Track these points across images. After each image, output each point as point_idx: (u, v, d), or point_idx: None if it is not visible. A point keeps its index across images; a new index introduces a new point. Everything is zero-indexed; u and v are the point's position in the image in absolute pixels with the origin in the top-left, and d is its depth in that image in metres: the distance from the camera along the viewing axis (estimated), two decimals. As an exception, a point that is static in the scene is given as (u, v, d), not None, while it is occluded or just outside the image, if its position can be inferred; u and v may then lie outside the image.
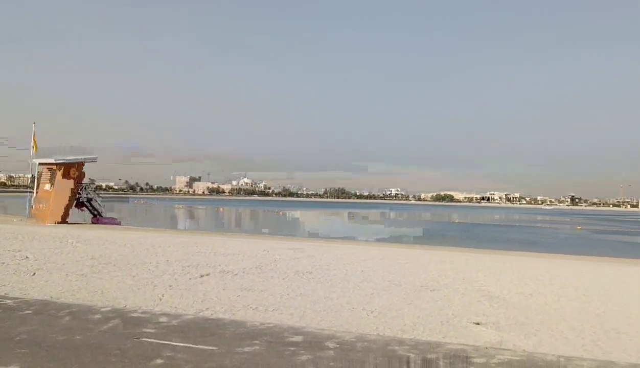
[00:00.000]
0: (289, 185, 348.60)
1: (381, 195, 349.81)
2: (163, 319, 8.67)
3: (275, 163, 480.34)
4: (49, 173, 39.83)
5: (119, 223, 42.53)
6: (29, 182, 53.61)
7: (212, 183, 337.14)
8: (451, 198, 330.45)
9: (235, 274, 14.45)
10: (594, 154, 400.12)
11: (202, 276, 13.91)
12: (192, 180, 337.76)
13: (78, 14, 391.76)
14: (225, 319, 8.97)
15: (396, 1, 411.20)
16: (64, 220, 37.89)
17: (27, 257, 16.46)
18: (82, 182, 40.24)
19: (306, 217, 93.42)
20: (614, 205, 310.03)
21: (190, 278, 13.45)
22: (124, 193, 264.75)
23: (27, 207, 41.55)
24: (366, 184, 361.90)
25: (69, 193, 38.25)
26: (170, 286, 12.24)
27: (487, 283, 14.67)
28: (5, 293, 10.73)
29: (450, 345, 7.68)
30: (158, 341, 7.30)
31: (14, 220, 40.09)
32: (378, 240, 41.30)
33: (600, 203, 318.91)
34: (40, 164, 41.39)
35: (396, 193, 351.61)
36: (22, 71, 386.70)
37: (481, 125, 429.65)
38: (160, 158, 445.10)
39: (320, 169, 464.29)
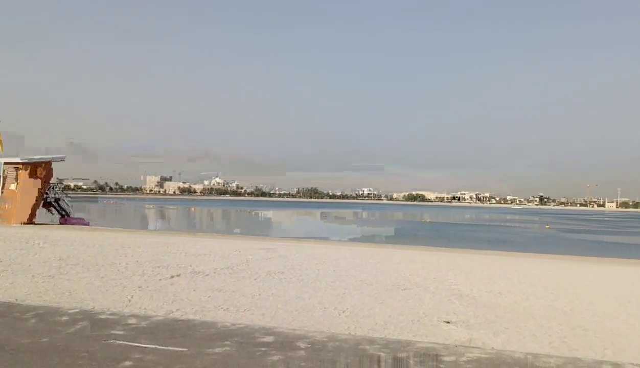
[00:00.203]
0: (261, 185, 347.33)
1: (354, 195, 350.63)
2: (132, 321, 8.55)
3: (274, 163, 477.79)
4: (15, 172, 38.98)
5: (87, 224, 41.87)
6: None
7: (183, 183, 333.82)
8: (423, 198, 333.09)
9: (207, 275, 14.34)
10: (594, 154, 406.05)
11: (172, 277, 13.77)
12: (163, 179, 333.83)
13: (78, 15, 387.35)
14: (195, 320, 8.89)
15: (396, 1, 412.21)
16: (30, 221, 37.14)
17: (-9, 259, 16.07)
18: (50, 181, 39.52)
19: (279, 217, 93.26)
20: (581, 205, 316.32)
21: (160, 279, 13.29)
22: (93, 193, 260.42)
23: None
24: (373, 184, 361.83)
25: (35, 193, 37.53)
26: (139, 287, 12.09)
27: (457, 282, 14.82)
28: (-31, 296, 10.46)
29: (420, 343, 7.74)
30: (127, 343, 7.19)
31: (-21, 220, 39.11)
32: (350, 240, 41.45)
33: (568, 203, 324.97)
34: (5, 163, 40.46)
35: (369, 193, 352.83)
36: (22, 72, 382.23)
37: (481, 126, 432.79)
38: (160, 158, 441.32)
39: (317, 170, 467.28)
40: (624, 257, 32.49)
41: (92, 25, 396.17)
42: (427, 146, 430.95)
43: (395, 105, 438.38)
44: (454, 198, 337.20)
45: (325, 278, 14.51)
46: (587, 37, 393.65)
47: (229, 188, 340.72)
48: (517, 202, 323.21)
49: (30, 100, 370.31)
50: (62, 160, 40.91)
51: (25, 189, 37.21)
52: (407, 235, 52.36)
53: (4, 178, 40.92)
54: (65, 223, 39.77)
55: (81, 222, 42.08)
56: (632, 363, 7.08)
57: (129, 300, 10.54)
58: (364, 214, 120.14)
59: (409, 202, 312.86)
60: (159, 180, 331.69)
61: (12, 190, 38.80)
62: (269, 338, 7.67)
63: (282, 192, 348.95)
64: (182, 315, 9.28)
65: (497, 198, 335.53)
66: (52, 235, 25.97)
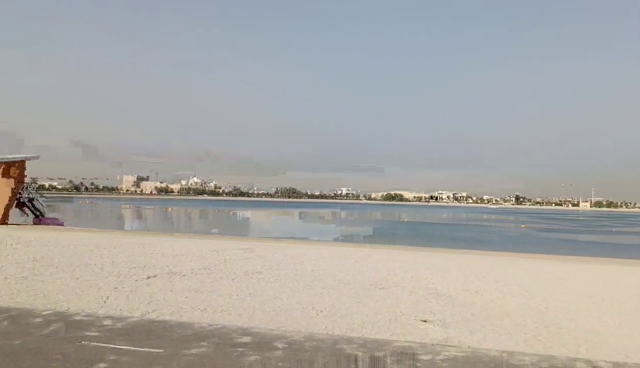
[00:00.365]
0: (239, 185, 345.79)
1: (332, 194, 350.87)
2: (107, 322, 8.44)
3: (273, 163, 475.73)
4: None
5: (62, 224, 41.28)
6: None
7: (160, 182, 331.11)
8: (401, 198, 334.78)
9: (183, 275, 14.23)
10: (594, 154, 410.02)
11: (148, 277, 13.64)
12: (140, 179, 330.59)
13: (79, 16, 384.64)
14: (172, 321, 8.81)
15: (396, 1, 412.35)
16: (3, 221, 36.47)
17: (-38, 260, 15.76)
18: (24, 181, 38.88)
19: (257, 217, 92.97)
20: (556, 204, 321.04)
21: (136, 280, 13.16)
22: (68, 193, 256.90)
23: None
24: (373, 185, 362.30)
25: (9, 193, 36.85)
26: (115, 288, 11.95)
27: (434, 281, 14.93)
28: (-62, 298, 10.24)
29: (397, 342, 7.78)
30: (102, 344, 7.10)
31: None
32: (328, 240, 41.49)
33: (543, 202, 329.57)
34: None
35: (347, 193, 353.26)
36: (25, 73, 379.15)
37: (481, 126, 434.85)
38: (160, 158, 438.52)
39: (318, 170, 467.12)
40: (597, 255, 33.01)
41: (92, 27, 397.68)
42: (427, 146, 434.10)
43: (396, 105, 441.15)
44: (431, 197, 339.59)
45: (303, 278, 14.50)
46: (587, 37, 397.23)
47: (207, 188, 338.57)
48: (494, 201, 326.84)
49: (31, 100, 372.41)
50: (36, 158, 40.30)
51: (-2, 189, 36.54)
52: (385, 234, 52.60)
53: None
54: (40, 224, 39.17)
55: (55, 222, 41.49)
56: (605, 360, 7.20)
57: (105, 301, 10.42)
58: (342, 214, 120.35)
59: (386, 202, 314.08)
60: (135, 179, 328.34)
61: (-16, 190, 38.14)
62: (246, 339, 7.63)
63: (261, 192, 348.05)
64: (158, 316, 9.20)
65: (474, 198, 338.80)
66: (25, 236, 25.55)
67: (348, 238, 44.20)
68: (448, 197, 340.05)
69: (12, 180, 36.82)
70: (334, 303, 11.00)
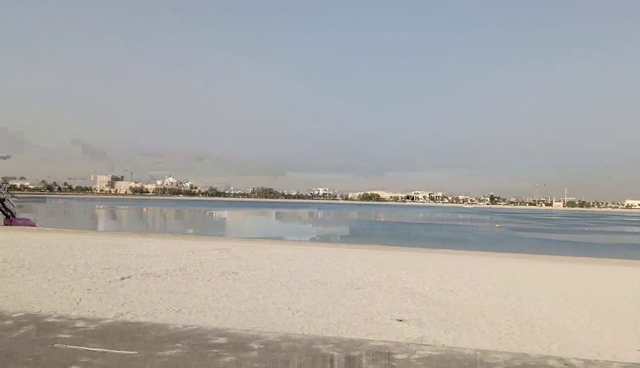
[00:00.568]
0: (216, 185, 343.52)
1: (309, 194, 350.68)
2: (80, 324, 8.32)
3: (274, 164, 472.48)
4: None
5: (33, 225, 40.59)
6: None
7: (135, 182, 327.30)
8: (377, 198, 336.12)
9: (158, 276, 14.09)
10: (594, 154, 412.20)
11: (122, 279, 13.48)
12: (114, 179, 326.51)
13: (79, 16, 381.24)
14: (146, 322, 8.72)
15: (396, 1, 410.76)
16: (-27, 222, 35.77)
17: None
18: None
19: (233, 217, 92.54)
20: (530, 204, 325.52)
21: (110, 281, 13.00)
22: (41, 193, 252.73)
23: None
24: (373, 187, 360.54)
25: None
26: (88, 289, 11.78)
27: (410, 280, 15.02)
28: None
29: (373, 342, 7.81)
30: (74, 347, 7.00)
31: None
32: (305, 240, 41.47)
33: (517, 202, 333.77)
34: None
35: (324, 193, 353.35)
36: (25, 74, 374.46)
37: (481, 126, 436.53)
38: (160, 158, 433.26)
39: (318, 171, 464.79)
40: (570, 255, 33.53)
41: (92, 28, 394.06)
42: (427, 146, 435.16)
43: (396, 105, 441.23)
44: (408, 197, 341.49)
45: (279, 278, 14.47)
46: (587, 37, 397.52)
47: (182, 188, 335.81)
48: (469, 201, 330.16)
49: (30, 100, 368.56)
50: (8, 157, 39.61)
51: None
52: (361, 234, 52.74)
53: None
54: (11, 224, 38.46)
55: (27, 222, 40.79)
56: (577, 358, 7.32)
57: (77, 303, 10.27)
58: (319, 214, 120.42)
59: (363, 202, 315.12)
60: (109, 179, 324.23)
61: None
62: (222, 340, 7.59)
63: (237, 192, 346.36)
64: (132, 318, 9.10)
65: (450, 198, 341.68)
66: (-4, 237, 25.06)
67: (325, 238, 44.20)
68: (424, 196, 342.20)
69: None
70: (310, 303, 11.00)
